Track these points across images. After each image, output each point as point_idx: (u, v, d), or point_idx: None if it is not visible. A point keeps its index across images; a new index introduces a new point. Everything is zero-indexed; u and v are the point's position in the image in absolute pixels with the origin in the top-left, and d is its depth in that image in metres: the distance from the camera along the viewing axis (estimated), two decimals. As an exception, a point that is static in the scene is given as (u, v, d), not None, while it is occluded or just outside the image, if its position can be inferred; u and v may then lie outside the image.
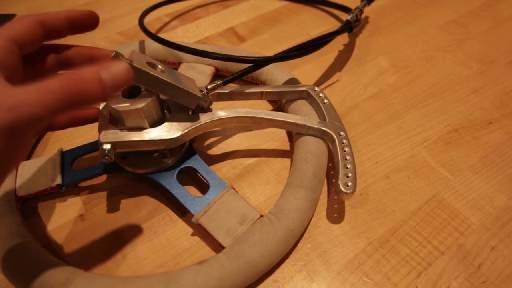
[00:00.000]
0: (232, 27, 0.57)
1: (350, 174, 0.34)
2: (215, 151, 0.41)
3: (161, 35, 0.56)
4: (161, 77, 0.30)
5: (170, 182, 0.35)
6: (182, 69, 0.46)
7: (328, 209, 0.36)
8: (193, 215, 0.33)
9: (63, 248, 0.34)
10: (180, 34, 0.56)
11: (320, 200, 0.37)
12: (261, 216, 0.33)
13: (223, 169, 0.40)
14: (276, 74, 0.44)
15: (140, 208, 0.37)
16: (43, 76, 0.21)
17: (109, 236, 0.35)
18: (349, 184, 0.33)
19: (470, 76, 0.49)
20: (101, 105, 0.34)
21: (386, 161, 0.40)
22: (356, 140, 0.42)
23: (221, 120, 0.36)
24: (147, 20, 0.60)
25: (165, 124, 0.33)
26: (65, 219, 0.36)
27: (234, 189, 0.35)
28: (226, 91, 0.39)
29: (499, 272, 0.32)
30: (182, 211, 0.36)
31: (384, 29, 0.56)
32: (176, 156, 0.36)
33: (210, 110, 0.35)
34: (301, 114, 0.40)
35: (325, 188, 0.38)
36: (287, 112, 0.42)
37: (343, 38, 0.54)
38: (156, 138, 0.32)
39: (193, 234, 0.35)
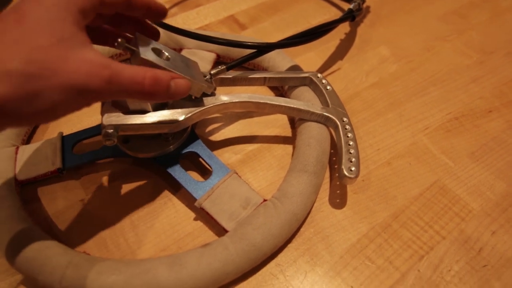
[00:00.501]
0: (233, 15, 0.57)
1: (353, 159, 0.34)
2: (217, 137, 0.41)
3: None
4: (167, 68, 0.30)
5: (173, 166, 0.35)
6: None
7: (330, 194, 0.36)
8: (195, 200, 0.33)
9: (65, 233, 0.34)
10: (180, 21, 0.55)
11: (323, 186, 0.37)
12: (264, 200, 0.33)
13: (225, 155, 0.40)
14: (278, 61, 0.44)
15: (142, 193, 0.37)
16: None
17: (110, 221, 0.35)
18: (353, 168, 0.33)
19: (470, 65, 0.49)
20: None
21: (388, 147, 0.40)
22: (357, 127, 0.42)
23: (225, 105, 0.35)
24: None
25: (169, 107, 0.33)
26: (66, 204, 0.36)
27: (237, 174, 0.35)
28: (229, 76, 0.39)
29: (499, 256, 0.32)
30: (184, 196, 0.36)
31: (385, 19, 0.56)
32: (179, 141, 0.36)
33: (214, 95, 0.35)
34: (304, 100, 0.40)
35: (327, 174, 0.38)
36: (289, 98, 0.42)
37: (345, 27, 0.54)
38: (159, 122, 0.32)
39: (195, 219, 0.35)
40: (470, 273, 0.32)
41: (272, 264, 0.32)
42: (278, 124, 0.42)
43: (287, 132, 0.42)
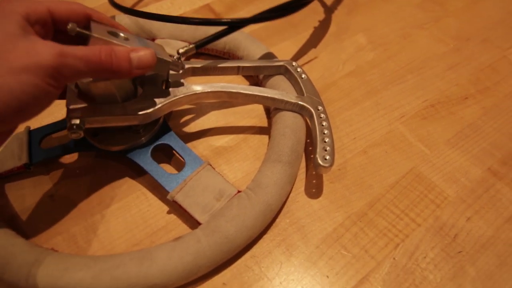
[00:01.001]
0: (208, 4, 0.55)
1: (328, 148, 0.33)
2: (192, 128, 0.40)
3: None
4: (124, 44, 0.28)
5: (144, 159, 0.34)
6: None
7: (306, 184, 0.36)
8: (168, 193, 0.32)
9: (33, 229, 0.33)
10: (154, 11, 0.54)
11: (299, 176, 0.36)
12: (239, 191, 0.32)
13: (200, 147, 0.39)
14: (253, 49, 0.43)
15: (114, 187, 0.36)
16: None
17: (81, 216, 0.34)
18: (327, 157, 0.33)
19: (446, 53, 0.49)
20: None
21: (364, 136, 0.40)
22: (334, 116, 0.41)
23: (196, 95, 0.35)
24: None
25: (138, 98, 0.32)
26: (34, 200, 0.35)
27: (211, 165, 0.34)
28: (201, 65, 0.37)
29: (474, 242, 0.33)
30: (157, 189, 0.35)
31: (362, 7, 0.55)
32: (150, 132, 0.35)
33: (184, 85, 0.34)
34: (279, 90, 0.39)
35: (303, 163, 0.37)
36: (265, 87, 0.42)
37: (321, 15, 0.54)
38: (127, 113, 0.31)
39: (168, 212, 0.34)
40: (445, 259, 0.32)
41: (247, 256, 0.32)
42: (254, 115, 0.41)
43: (263, 122, 0.41)
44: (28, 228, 0.33)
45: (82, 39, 0.28)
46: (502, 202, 0.35)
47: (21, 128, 0.37)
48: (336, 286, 0.30)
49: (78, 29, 0.27)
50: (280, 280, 0.30)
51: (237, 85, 0.36)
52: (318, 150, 0.33)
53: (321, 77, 0.45)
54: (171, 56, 0.33)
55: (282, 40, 0.50)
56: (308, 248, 0.32)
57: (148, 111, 0.31)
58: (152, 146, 0.35)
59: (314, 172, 0.37)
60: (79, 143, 0.35)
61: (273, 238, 0.33)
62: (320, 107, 0.36)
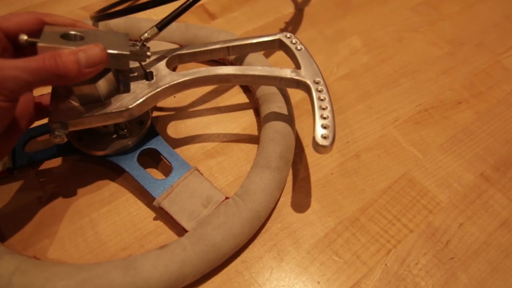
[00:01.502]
0: (203, 4, 0.55)
1: (327, 125, 0.30)
2: (182, 132, 0.40)
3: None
4: (72, 46, 0.27)
5: (130, 164, 0.33)
6: None
7: (298, 188, 0.36)
8: (154, 199, 0.32)
9: (20, 233, 0.32)
10: (148, 11, 0.53)
11: (291, 180, 0.36)
12: (227, 198, 0.32)
13: (190, 150, 0.38)
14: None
15: (103, 190, 0.35)
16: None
17: (67, 220, 0.33)
18: (327, 135, 0.29)
19: (441, 56, 0.49)
20: None
21: (357, 140, 0.39)
22: (327, 119, 0.41)
23: (183, 83, 0.32)
24: (113, -5, 0.57)
25: (121, 95, 0.31)
26: (17, 205, 0.34)
27: (199, 170, 0.34)
28: (187, 51, 0.35)
29: (466, 248, 0.32)
30: (143, 194, 0.35)
31: (357, 9, 0.55)
32: (137, 137, 0.34)
33: (169, 75, 0.33)
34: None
35: (296, 167, 0.37)
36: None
37: (316, 17, 0.53)
38: (110, 111, 0.29)
39: (155, 218, 0.33)
40: (437, 266, 0.31)
41: (237, 261, 0.31)
42: (243, 120, 0.41)
43: (254, 127, 0.40)
44: (11, 235, 0.32)
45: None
46: (495, 208, 0.35)
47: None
48: (327, 292, 0.30)
49: (26, 38, 0.26)
50: (270, 286, 0.30)
51: (225, 66, 0.34)
52: (316, 127, 0.30)
53: (315, 79, 0.45)
54: (134, 45, 0.31)
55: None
56: (299, 253, 0.32)
57: (131, 106, 0.30)
58: (138, 151, 0.34)
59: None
60: (64, 147, 0.34)
61: (264, 243, 0.32)
62: (318, 80, 0.33)
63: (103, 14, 0.38)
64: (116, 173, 0.36)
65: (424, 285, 0.30)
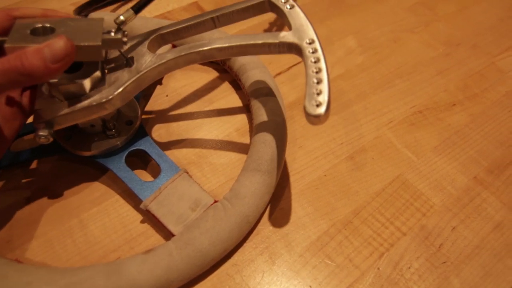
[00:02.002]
0: (196, 1, 0.54)
1: (321, 90, 0.26)
2: (173, 134, 0.39)
3: (121, 8, 0.52)
4: (39, 42, 0.26)
5: (118, 165, 0.33)
6: None
7: (291, 190, 0.35)
8: (141, 201, 0.31)
9: (6, 233, 0.32)
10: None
11: (284, 181, 0.36)
12: (215, 201, 0.31)
13: (182, 151, 0.38)
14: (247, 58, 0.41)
15: (91, 191, 0.34)
16: None
17: (57, 220, 0.33)
18: (320, 103, 0.25)
19: (436, 57, 0.48)
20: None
21: (351, 141, 0.39)
22: (321, 120, 0.41)
23: (165, 65, 0.30)
24: (105, -9, 0.56)
25: (103, 86, 0.29)
26: (4, 205, 0.33)
27: (188, 173, 0.33)
28: (169, 29, 0.33)
29: (459, 252, 0.32)
30: (131, 196, 0.34)
31: (353, 8, 0.54)
32: (125, 137, 0.34)
33: (149, 57, 0.31)
34: None
35: (290, 168, 0.37)
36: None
37: (310, 16, 0.53)
38: (91, 104, 0.28)
39: (142, 221, 0.33)
40: (430, 270, 0.31)
41: (228, 264, 0.31)
42: (236, 120, 0.40)
43: (246, 128, 0.40)
44: (2, 231, 0.32)
45: None
46: (488, 212, 0.35)
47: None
48: (319, 296, 0.30)
49: None
50: (262, 289, 0.30)
51: (208, 40, 0.31)
52: (308, 95, 0.26)
53: (310, 79, 0.45)
54: (108, 33, 0.28)
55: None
56: (291, 256, 0.31)
57: (111, 96, 0.28)
58: (126, 152, 0.33)
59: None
60: (51, 147, 0.34)
61: (256, 246, 0.32)
62: (311, 40, 0.29)
63: (83, 5, 0.37)
64: (104, 173, 0.35)
65: (416, 289, 0.30)
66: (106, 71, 0.30)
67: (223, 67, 0.44)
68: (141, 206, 0.31)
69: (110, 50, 0.31)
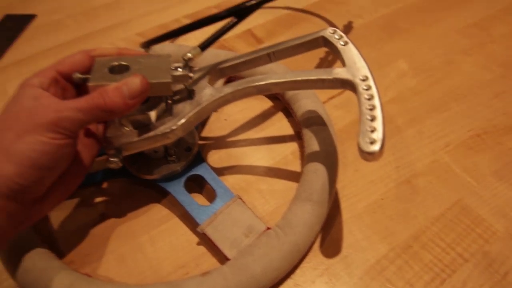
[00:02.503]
0: (250, 29, 0.57)
1: (375, 128, 0.26)
2: (226, 160, 0.41)
3: (180, 38, 0.55)
4: (117, 79, 0.29)
5: (177, 189, 0.35)
6: None
7: (348, 213, 0.36)
8: (198, 224, 0.33)
9: (73, 252, 0.35)
10: (199, 36, 0.56)
11: (341, 204, 0.36)
12: (268, 228, 0.33)
13: (234, 177, 0.39)
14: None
15: (155, 212, 0.37)
16: None
17: (129, 236, 0.35)
18: (374, 140, 0.26)
19: (492, 80, 0.48)
20: None
21: (408, 165, 0.39)
22: (376, 144, 0.41)
23: (223, 98, 0.33)
24: (165, 21, 0.60)
25: (167, 116, 0.32)
26: (81, 221, 0.36)
27: (241, 199, 0.35)
28: (228, 64, 0.35)
29: (526, 281, 0.31)
30: (188, 219, 0.36)
31: (404, 32, 0.55)
32: (185, 162, 0.36)
33: (209, 91, 0.33)
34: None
35: (347, 190, 0.37)
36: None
37: (361, 41, 0.54)
38: (157, 134, 0.31)
39: (198, 244, 0.35)
40: (495, 298, 0.31)
41: (290, 283, 0.32)
42: (286, 147, 0.42)
43: (296, 155, 0.41)
44: (69, 250, 0.35)
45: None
46: (555, 240, 0.34)
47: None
48: (381, 320, 0.30)
49: (79, 76, 0.29)
50: (323, 310, 0.30)
51: (265, 75, 0.33)
52: (361, 132, 0.27)
53: (363, 103, 0.45)
54: (176, 69, 0.31)
55: (319, 67, 0.50)
56: (351, 279, 0.32)
57: (174, 127, 0.31)
58: (185, 177, 0.36)
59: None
60: (118, 170, 0.36)
61: (316, 267, 0.33)
62: (365, 76, 0.30)
63: (149, 41, 0.41)
64: (164, 195, 0.38)
65: (481, 318, 0.30)
66: (169, 101, 0.33)
67: (275, 95, 0.46)
68: (198, 229, 0.33)
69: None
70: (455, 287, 0.31)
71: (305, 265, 0.33)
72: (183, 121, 0.31)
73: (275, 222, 0.33)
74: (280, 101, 0.46)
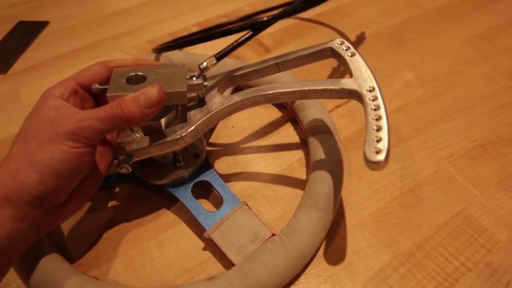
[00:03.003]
0: (258, 38, 0.58)
1: (381, 138, 0.27)
2: (233, 166, 0.42)
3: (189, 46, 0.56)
4: (136, 89, 0.30)
5: (185, 195, 0.36)
6: None
7: (353, 221, 0.36)
8: (205, 230, 0.34)
9: (82, 255, 0.35)
10: (208, 45, 0.57)
11: (346, 212, 0.37)
12: (273, 235, 0.33)
13: (240, 183, 0.40)
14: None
15: (163, 216, 0.38)
16: None
17: (137, 240, 0.36)
18: (380, 150, 0.26)
19: (497, 91, 0.48)
20: None
21: (412, 175, 0.40)
22: (381, 153, 0.42)
23: (232, 106, 0.34)
24: (175, 29, 0.61)
25: (176, 123, 0.33)
26: (90, 224, 0.37)
27: (247, 205, 0.35)
28: (238, 73, 0.36)
29: (528, 291, 0.32)
30: (194, 224, 0.36)
31: (410, 42, 0.56)
32: (193, 168, 0.37)
33: (219, 99, 0.34)
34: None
35: (352, 198, 0.38)
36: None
37: (368, 51, 0.55)
38: (166, 140, 0.32)
39: (204, 249, 0.35)
40: (497, 307, 0.31)
41: (294, 290, 0.32)
42: (292, 155, 0.42)
43: (302, 162, 0.42)
44: (78, 254, 0.35)
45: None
46: (558, 251, 0.34)
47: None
48: (383, 327, 0.30)
49: (98, 87, 0.31)
50: (326, 317, 0.31)
51: (273, 85, 0.34)
52: (367, 141, 0.27)
53: (368, 113, 0.46)
54: (191, 78, 0.33)
55: (325, 77, 0.51)
56: (355, 286, 0.32)
57: (184, 134, 0.32)
58: (192, 183, 0.37)
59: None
60: (128, 175, 0.37)
61: (320, 274, 0.33)
62: (371, 87, 0.31)
63: (162, 47, 0.42)
64: (172, 200, 0.39)
65: (483, 327, 0.30)
66: (179, 108, 0.34)
67: (281, 103, 0.47)
68: (205, 234, 0.33)
69: None
70: (458, 296, 0.32)
71: (309, 271, 0.33)
72: (192, 128, 0.32)
73: (281, 228, 0.34)
74: (286, 109, 0.47)
